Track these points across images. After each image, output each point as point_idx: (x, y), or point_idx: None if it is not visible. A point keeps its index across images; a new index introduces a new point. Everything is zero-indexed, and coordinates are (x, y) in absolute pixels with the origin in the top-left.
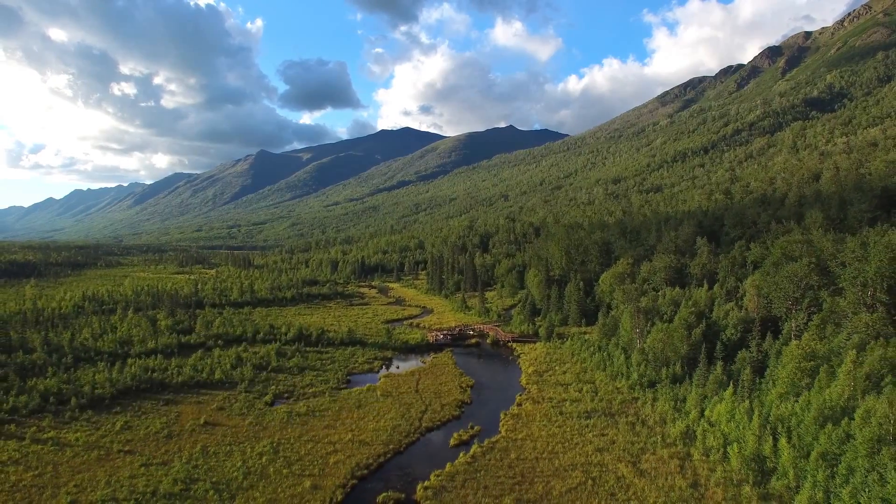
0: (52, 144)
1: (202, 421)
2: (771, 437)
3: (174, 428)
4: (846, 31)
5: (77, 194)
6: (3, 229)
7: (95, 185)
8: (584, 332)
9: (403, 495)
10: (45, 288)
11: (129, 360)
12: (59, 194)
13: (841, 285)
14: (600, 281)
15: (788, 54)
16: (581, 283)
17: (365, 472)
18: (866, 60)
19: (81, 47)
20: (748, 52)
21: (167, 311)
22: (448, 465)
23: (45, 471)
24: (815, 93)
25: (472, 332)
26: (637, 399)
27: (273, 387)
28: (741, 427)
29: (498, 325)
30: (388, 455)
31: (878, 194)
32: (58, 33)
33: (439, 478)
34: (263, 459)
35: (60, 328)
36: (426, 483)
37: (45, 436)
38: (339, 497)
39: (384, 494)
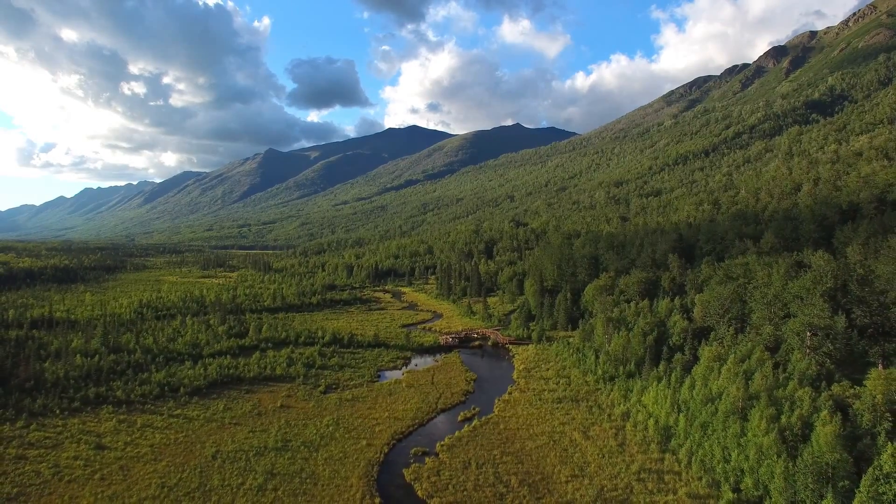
0: (63, 143)
1: (279, 404)
2: (676, 413)
3: (260, 409)
4: (850, 32)
5: (87, 193)
6: (16, 227)
7: (105, 184)
8: (569, 336)
9: (428, 449)
10: (94, 293)
11: (208, 360)
12: (69, 192)
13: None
14: (585, 292)
15: (793, 54)
16: (569, 294)
17: (401, 436)
18: (868, 62)
19: (92, 47)
20: (757, 49)
21: (219, 318)
22: (457, 432)
23: (188, 434)
24: (817, 95)
25: (476, 336)
26: (599, 390)
27: (323, 380)
28: (660, 407)
29: (498, 329)
30: (415, 426)
31: (844, 209)
32: (69, 34)
33: (451, 439)
34: (330, 428)
35: (135, 332)
36: (442, 442)
37: (175, 413)
38: (386, 450)
39: (415, 448)
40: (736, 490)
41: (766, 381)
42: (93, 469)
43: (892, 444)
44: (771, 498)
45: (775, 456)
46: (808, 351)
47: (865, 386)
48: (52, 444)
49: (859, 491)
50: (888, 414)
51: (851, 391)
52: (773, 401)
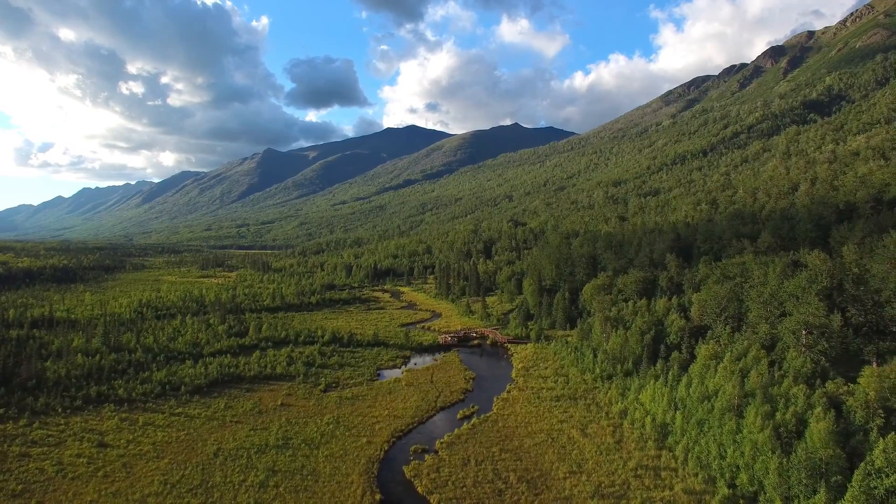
0: (61, 143)
1: (279, 403)
2: (673, 411)
3: (261, 407)
4: (848, 32)
5: (86, 192)
6: (14, 227)
7: (103, 184)
8: (568, 335)
9: (427, 446)
10: (94, 292)
11: (208, 359)
12: (67, 192)
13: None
14: (583, 291)
15: (791, 54)
16: (567, 293)
17: (400, 434)
18: (866, 62)
19: (90, 47)
20: (756, 48)
21: (219, 318)
22: (456, 430)
23: (190, 432)
24: (814, 95)
25: (474, 335)
26: (597, 388)
27: (323, 379)
28: (657, 405)
29: (497, 329)
30: (415, 424)
31: (841, 209)
32: (67, 33)
33: (450, 437)
34: (331, 427)
35: (135, 331)
36: (442, 440)
37: (177, 411)
38: (386, 447)
39: (415, 446)
40: (731, 486)
41: (761, 378)
42: (96, 466)
43: (884, 439)
44: (765, 493)
45: (770, 452)
46: (803, 349)
47: (859, 383)
48: (54, 442)
49: (851, 486)
50: (881, 410)
51: (845, 388)
52: (769, 398)
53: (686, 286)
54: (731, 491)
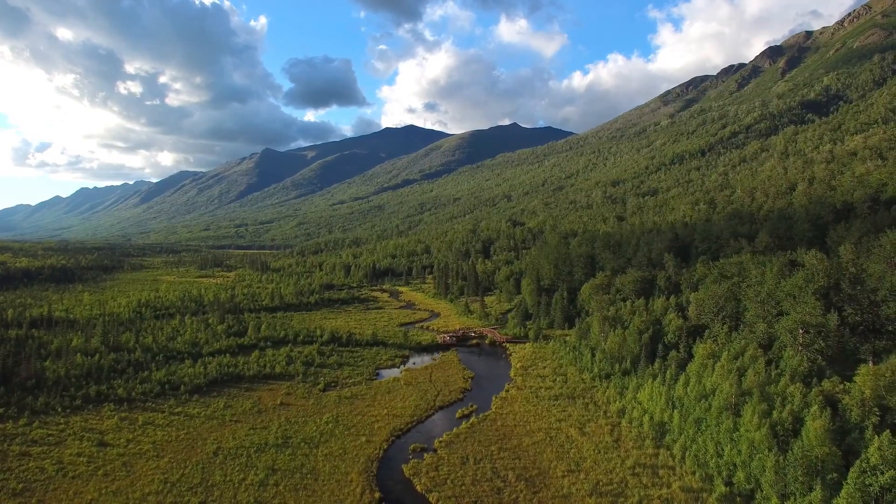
0: (58, 143)
1: (278, 402)
2: (670, 409)
3: (260, 406)
4: (846, 32)
5: (83, 192)
6: (12, 227)
7: (101, 184)
8: (566, 335)
9: (426, 445)
10: (93, 292)
11: (207, 359)
12: (65, 192)
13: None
14: (582, 290)
15: (789, 54)
16: (566, 293)
17: (399, 433)
18: (863, 62)
19: (88, 47)
20: (754, 48)
21: (218, 317)
22: (455, 429)
23: (190, 431)
24: (812, 95)
25: (473, 334)
26: (595, 387)
27: (322, 378)
28: (655, 404)
29: (496, 328)
30: (414, 423)
31: (838, 208)
32: (65, 33)
33: (449, 436)
34: (330, 425)
35: (134, 331)
36: (440, 439)
37: (176, 410)
38: (385, 446)
39: (413, 445)
40: (728, 484)
41: (758, 377)
42: (96, 465)
43: (879, 437)
44: (762, 491)
45: (766, 450)
46: (800, 348)
47: (855, 382)
48: (54, 441)
49: (847, 483)
50: (876, 409)
51: (841, 387)
52: (765, 397)
53: (684, 286)
54: (728, 489)
